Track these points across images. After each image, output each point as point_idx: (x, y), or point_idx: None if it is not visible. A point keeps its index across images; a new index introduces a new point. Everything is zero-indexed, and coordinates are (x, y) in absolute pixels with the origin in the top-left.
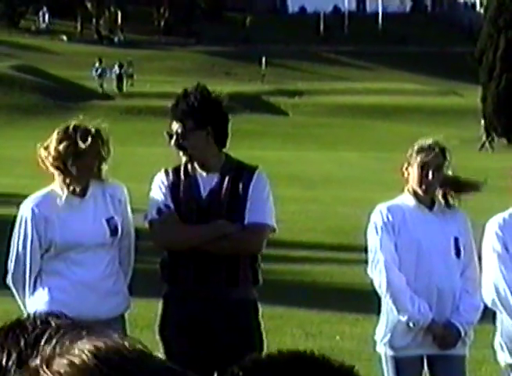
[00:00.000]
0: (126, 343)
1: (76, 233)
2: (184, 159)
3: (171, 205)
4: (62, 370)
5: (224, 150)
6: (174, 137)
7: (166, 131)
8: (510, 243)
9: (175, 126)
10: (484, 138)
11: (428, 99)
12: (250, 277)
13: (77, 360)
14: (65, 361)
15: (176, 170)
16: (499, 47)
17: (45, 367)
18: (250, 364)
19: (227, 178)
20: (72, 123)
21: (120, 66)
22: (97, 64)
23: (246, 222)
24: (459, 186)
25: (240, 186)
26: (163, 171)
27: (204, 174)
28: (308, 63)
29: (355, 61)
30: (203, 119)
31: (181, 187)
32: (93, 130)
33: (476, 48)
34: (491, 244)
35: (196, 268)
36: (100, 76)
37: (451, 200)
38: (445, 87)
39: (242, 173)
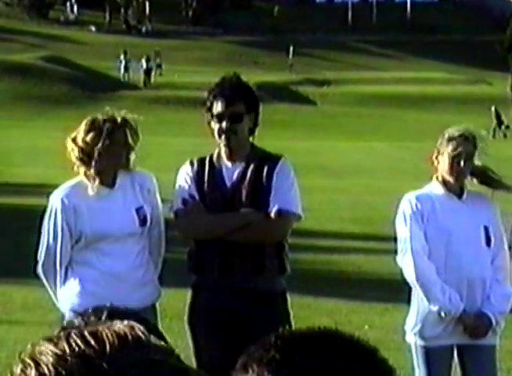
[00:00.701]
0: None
1: (105, 224)
2: (223, 144)
3: (196, 195)
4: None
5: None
6: (226, 120)
7: (216, 114)
8: None
9: (223, 108)
10: (494, 125)
11: (457, 87)
12: (276, 266)
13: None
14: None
15: (201, 161)
16: None
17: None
18: (288, 334)
19: (251, 168)
20: (99, 113)
21: (147, 60)
22: (122, 56)
23: (269, 209)
24: (488, 178)
25: (264, 174)
26: (188, 162)
27: (230, 164)
28: (336, 53)
29: (382, 50)
30: (251, 104)
31: (205, 177)
32: (120, 119)
33: (505, 36)
34: None
35: (221, 257)
36: (126, 68)
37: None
38: (475, 76)
39: (266, 162)
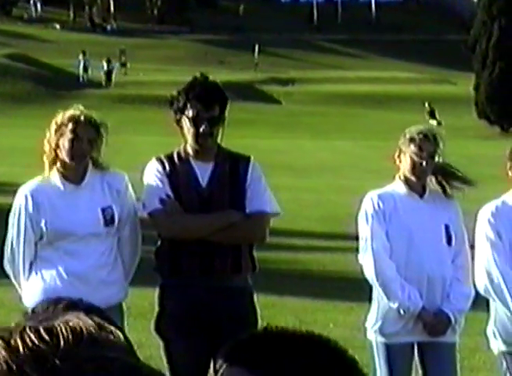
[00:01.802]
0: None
1: (67, 222)
2: (198, 146)
3: (171, 194)
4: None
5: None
6: (205, 123)
7: (190, 117)
8: (502, 230)
9: (202, 112)
10: (427, 121)
11: (421, 87)
12: (250, 264)
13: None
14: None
15: (169, 158)
16: (492, 35)
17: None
18: (262, 334)
19: (224, 168)
20: (66, 112)
21: (108, 61)
22: (81, 56)
23: (248, 210)
24: (449, 174)
25: (239, 175)
26: (154, 159)
27: (199, 163)
28: (301, 52)
29: (348, 49)
30: (224, 105)
31: (179, 175)
32: (87, 118)
33: (469, 35)
34: (484, 231)
35: (201, 257)
36: (85, 68)
37: (448, 190)
38: (439, 75)
39: (237, 162)
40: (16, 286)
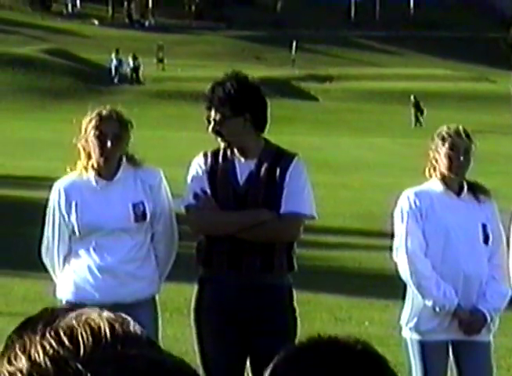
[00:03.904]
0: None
1: (97, 217)
2: (222, 144)
3: (208, 190)
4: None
5: (263, 134)
6: (212, 123)
7: (205, 117)
8: None
9: (212, 113)
10: (413, 114)
11: (459, 84)
12: (285, 264)
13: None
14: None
15: (215, 154)
16: None
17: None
18: (294, 350)
19: (265, 165)
20: (98, 109)
21: (134, 58)
22: (113, 55)
23: (282, 210)
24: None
25: (277, 172)
26: (201, 154)
27: (243, 159)
28: (339, 48)
29: (385, 46)
30: (240, 106)
31: (218, 172)
32: (110, 113)
33: (509, 33)
34: None
35: (230, 253)
36: (116, 69)
37: (479, 196)
38: (477, 73)
39: (280, 160)
40: (54, 279)
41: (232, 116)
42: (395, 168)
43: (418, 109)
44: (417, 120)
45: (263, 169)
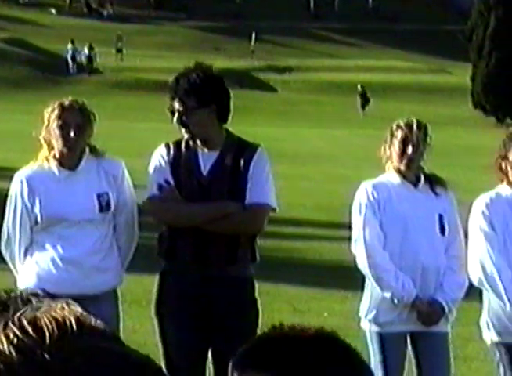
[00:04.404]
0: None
1: (61, 207)
2: (186, 136)
3: (172, 181)
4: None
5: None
6: (177, 114)
7: (167, 108)
8: (496, 222)
9: (176, 103)
10: (359, 103)
11: (418, 76)
12: (248, 255)
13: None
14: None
15: (177, 145)
16: (489, 25)
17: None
18: (276, 335)
19: (228, 156)
20: (60, 100)
21: (90, 48)
22: (69, 46)
23: (247, 202)
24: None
25: (241, 164)
26: (163, 145)
27: (206, 150)
28: (298, 40)
29: (345, 38)
30: (205, 97)
31: (182, 162)
32: (73, 104)
33: (466, 26)
34: (478, 223)
35: (194, 245)
36: (73, 59)
37: (436, 187)
38: (436, 65)
39: (243, 151)
40: (13, 270)
41: (197, 107)
42: (355, 160)
43: (364, 99)
44: (363, 109)
45: (227, 160)
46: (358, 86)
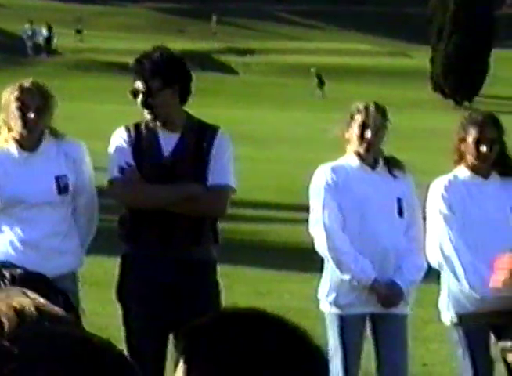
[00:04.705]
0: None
1: (20, 189)
2: (149, 117)
3: (133, 163)
4: None
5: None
6: (141, 96)
7: (130, 90)
8: (455, 205)
9: (140, 84)
10: (315, 86)
11: (378, 59)
12: (211, 238)
13: None
14: None
15: (137, 127)
16: (448, 8)
17: None
18: (206, 321)
19: (190, 138)
20: (20, 81)
21: (49, 29)
22: (27, 26)
23: (209, 183)
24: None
25: (204, 145)
26: (123, 127)
27: (167, 132)
28: (260, 22)
29: (307, 21)
30: (170, 78)
31: (143, 144)
32: (32, 86)
33: (427, 8)
34: (436, 205)
35: (161, 228)
36: (31, 38)
37: (394, 170)
38: (396, 48)
39: (205, 133)
40: None
41: (162, 88)
42: (317, 143)
43: (320, 81)
44: (321, 92)
45: (188, 142)
46: (312, 69)
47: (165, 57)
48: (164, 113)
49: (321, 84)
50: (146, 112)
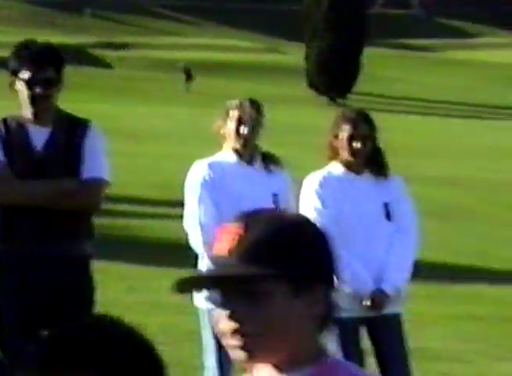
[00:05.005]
0: None
1: None
2: (34, 110)
3: (3, 158)
4: None
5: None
6: (40, 86)
7: (9, 83)
8: (329, 200)
9: (34, 74)
10: (184, 81)
11: (255, 56)
12: (86, 233)
13: None
14: None
15: (4, 121)
16: (323, 6)
17: None
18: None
19: (61, 133)
20: None
21: None
22: None
23: (84, 177)
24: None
25: (75, 140)
26: None
27: (36, 127)
28: (137, 17)
29: (185, 17)
30: (59, 67)
31: (12, 140)
32: None
33: (302, 5)
34: (310, 200)
35: (32, 225)
36: None
37: (270, 166)
38: (273, 44)
39: (75, 126)
40: None
41: (56, 78)
42: (193, 138)
43: (187, 75)
44: (188, 86)
45: (60, 137)
46: (179, 63)
47: (51, 46)
48: (52, 104)
49: (188, 78)
50: (36, 103)
